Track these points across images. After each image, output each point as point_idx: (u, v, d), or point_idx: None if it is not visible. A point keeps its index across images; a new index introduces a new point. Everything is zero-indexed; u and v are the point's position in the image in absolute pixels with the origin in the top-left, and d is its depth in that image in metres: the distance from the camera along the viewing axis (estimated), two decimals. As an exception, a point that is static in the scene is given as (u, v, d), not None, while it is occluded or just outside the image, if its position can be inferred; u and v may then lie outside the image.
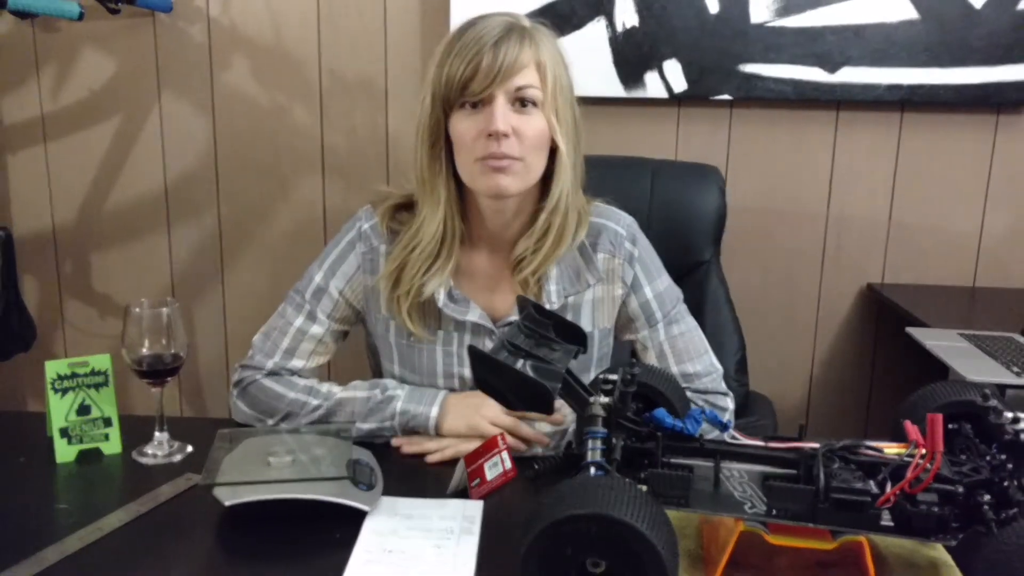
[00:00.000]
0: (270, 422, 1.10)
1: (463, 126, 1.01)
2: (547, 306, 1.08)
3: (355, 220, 1.14)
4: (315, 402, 1.08)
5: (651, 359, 1.14)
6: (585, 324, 1.12)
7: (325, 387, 1.10)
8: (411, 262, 1.07)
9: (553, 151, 1.05)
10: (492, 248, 1.12)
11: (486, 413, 1.04)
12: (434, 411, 1.05)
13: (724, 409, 1.13)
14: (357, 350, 1.23)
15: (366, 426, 1.06)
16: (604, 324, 1.14)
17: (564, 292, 1.10)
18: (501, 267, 1.12)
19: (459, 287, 1.10)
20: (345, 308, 1.14)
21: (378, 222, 1.11)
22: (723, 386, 1.14)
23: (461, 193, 1.09)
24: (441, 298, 1.08)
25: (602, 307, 1.13)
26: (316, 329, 1.13)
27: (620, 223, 1.13)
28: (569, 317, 1.11)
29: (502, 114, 0.99)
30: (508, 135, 0.99)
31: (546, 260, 1.07)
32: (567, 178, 1.06)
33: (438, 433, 1.06)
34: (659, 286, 1.14)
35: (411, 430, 1.07)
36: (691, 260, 1.51)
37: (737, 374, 1.48)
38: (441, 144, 1.04)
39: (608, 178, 1.36)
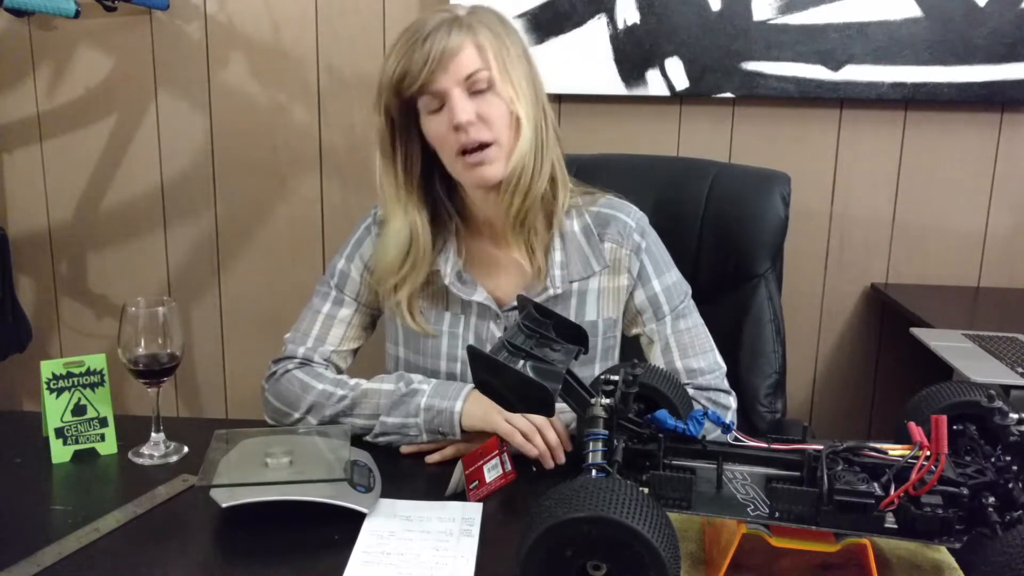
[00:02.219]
0: (296, 415, 1.09)
1: (432, 127, 1.04)
2: (551, 291, 1.10)
3: (372, 210, 1.19)
4: (341, 392, 1.08)
5: (656, 353, 1.14)
6: (590, 312, 1.13)
7: (353, 380, 1.11)
8: (379, 264, 1.11)
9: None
10: (494, 234, 1.14)
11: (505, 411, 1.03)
12: (458, 405, 1.04)
13: (727, 408, 1.12)
14: (373, 347, 1.23)
15: (390, 420, 1.05)
16: (609, 314, 1.15)
17: (568, 277, 1.11)
18: (504, 253, 1.14)
19: (467, 270, 1.13)
20: (368, 291, 1.17)
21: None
22: (726, 384, 1.14)
23: (452, 188, 1.11)
24: (448, 275, 1.10)
25: (607, 296, 1.14)
26: (344, 312, 1.16)
27: (630, 215, 1.15)
28: (574, 304, 1.13)
29: (461, 106, 1.01)
30: (473, 122, 1.01)
31: (524, 206, 1.07)
32: (527, 138, 1.05)
33: (467, 418, 1.04)
34: (668, 280, 1.15)
35: (435, 428, 1.04)
36: (742, 273, 1.40)
37: (767, 399, 1.35)
38: (391, 152, 1.06)
39: (663, 179, 1.33)
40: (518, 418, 1.02)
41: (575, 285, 1.12)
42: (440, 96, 1.01)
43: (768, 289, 1.41)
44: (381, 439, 1.06)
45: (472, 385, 1.07)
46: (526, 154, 1.05)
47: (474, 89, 1.02)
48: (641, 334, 1.16)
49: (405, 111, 1.05)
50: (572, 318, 1.11)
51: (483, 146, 1.02)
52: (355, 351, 1.19)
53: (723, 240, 1.40)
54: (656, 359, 1.14)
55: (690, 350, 1.13)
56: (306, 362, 1.13)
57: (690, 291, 1.17)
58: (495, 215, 1.12)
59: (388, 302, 1.16)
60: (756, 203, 1.41)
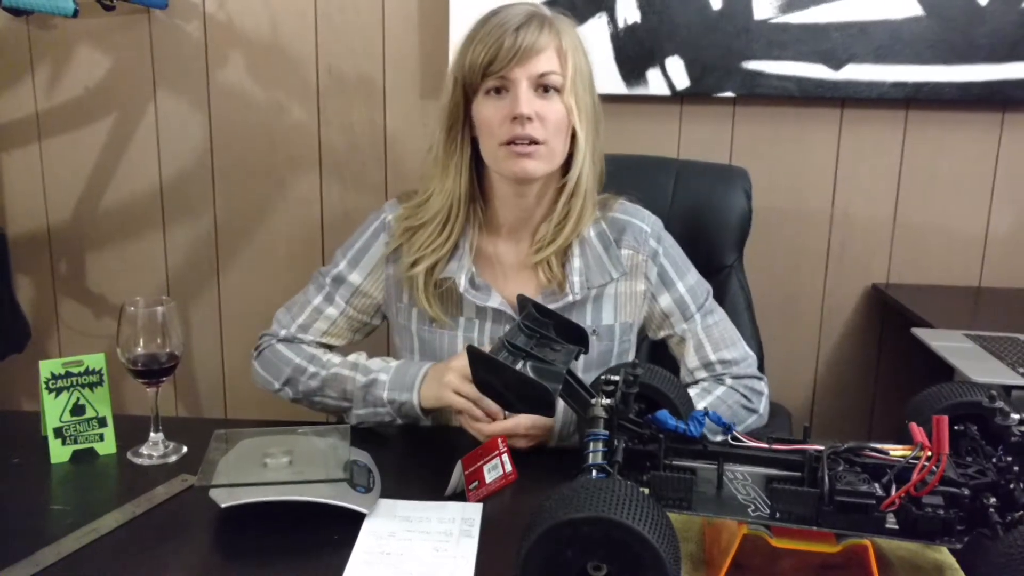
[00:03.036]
0: (277, 385, 1.14)
1: (488, 111, 1.05)
2: (570, 297, 1.11)
3: (380, 211, 1.18)
4: (312, 369, 1.11)
5: (690, 351, 1.16)
6: (607, 317, 1.14)
7: (327, 356, 1.13)
8: (416, 237, 1.11)
9: (573, 137, 1.09)
10: (514, 236, 1.14)
11: (449, 381, 1.04)
12: (415, 397, 1.06)
13: (761, 393, 1.16)
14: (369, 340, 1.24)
15: (362, 412, 1.08)
16: (625, 319, 1.16)
17: (588, 284, 1.12)
18: (523, 255, 1.14)
19: (481, 274, 1.13)
20: (364, 298, 1.17)
21: (402, 214, 1.15)
22: (757, 371, 1.18)
23: (482, 180, 1.12)
24: (463, 283, 1.10)
25: (624, 301, 1.15)
26: (331, 311, 1.17)
27: (645, 221, 1.17)
28: (591, 310, 1.14)
29: (526, 98, 1.02)
30: (532, 118, 1.02)
31: (564, 241, 1.10)
32: (585, 162, 1.09)
33: (427, 399, 1.06)
34: (690, 280, 1.17)
35: (405, 415, 1.07)
36: (712, 264, 1.44)
37: None
38: (459, 127, 1.08)
39: (628, 177, 1.36)
40: (463, 385, 1.02)
41: (592, 291, 1.13)
42: (506, 83, 1.03)
43: (739, 279, 1.48)
44: (363, 425, 1.09)
45: (427, 367, 1.07)
46: (582, 167, 1.08)
47: (541, 86, 1.04)
48: (672, 335, 1.18)
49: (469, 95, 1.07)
50: (588, 323, 1.13)
51: (533, 142, 1.03)
52: (337, 347, 1.19)
53: (692, 234, 1.43)
54: (690, 357, 1.16)
55: (721, 343, 1.16)
56: (287, 341, 1.17)
57: (711, 288, 1.20)
58: (516, 217, 1.13)
59: (401, 304, 1.15)
60: (720, 198, 1.48)
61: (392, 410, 1.07)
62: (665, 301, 1.16)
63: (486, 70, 1.03)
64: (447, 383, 1.03)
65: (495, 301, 1.11)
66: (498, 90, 1.04)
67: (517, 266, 1.14)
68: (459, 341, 1.13)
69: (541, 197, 1.11)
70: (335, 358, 1.13)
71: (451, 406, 1.03)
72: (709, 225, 1.46)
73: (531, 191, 1.10)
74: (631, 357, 1.19)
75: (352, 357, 1.13)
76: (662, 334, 1.19)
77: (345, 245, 1.18)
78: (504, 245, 1.15)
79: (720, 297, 1.42)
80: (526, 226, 1.13)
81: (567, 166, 1.10)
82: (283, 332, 1.17)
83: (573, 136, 1.08)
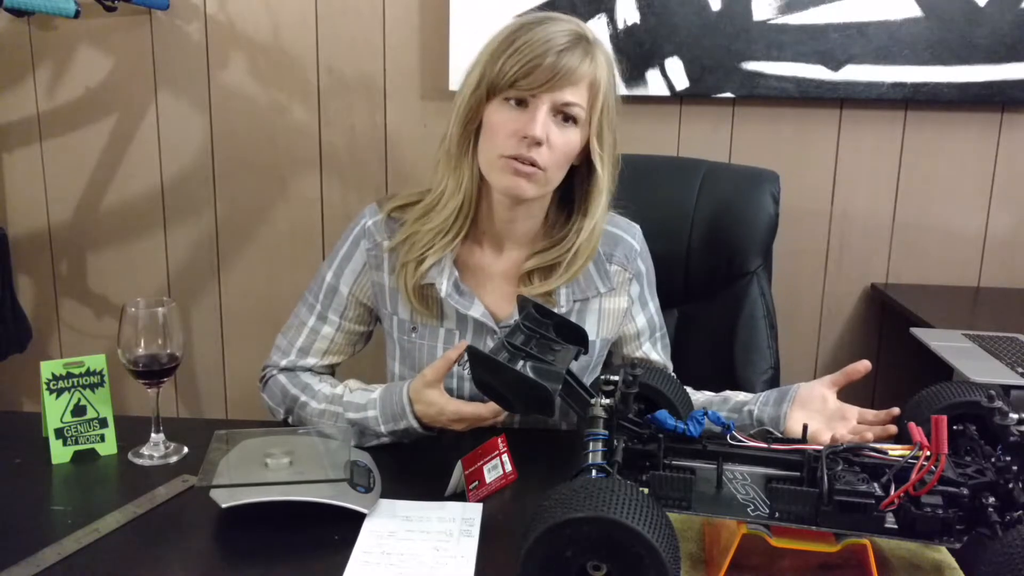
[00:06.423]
0: (282, 414, 1.12)
1: (499, 118, 1.02)
2: (556, 310, 1.07)
3: (360, 217, 1.15)
4: (313, 406, 1.09)
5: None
6: (590, 332, 1.12)
7: (319, 387, 1.10)
8: (420, 233, 1.07)
9: (589, 170, 1.07)
10: (495, 247, 1.12)
11: (416, 389, 1.01)
12: (414, 423, 1.02)
13: None
14: (377, 358, 1.23)
15: (364, 443, 1.05)
16: (605, 334, 1.16)
17: (573, 296, 1.11)
18: (505, 266, 1.12)
19: (463, 282, 1.11)
20: (357, 307, 1.14)
21: (382, 218, 1.12)
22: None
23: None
24: (444, 287, 1.07)
25: (607, 317, 1.15)
26: (327, 329, 1.14)
27: (635, 238, 1.17)
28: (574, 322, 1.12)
29: (542, 121, 1.00)
30: (542, 143, 1.00)
31: (558, 281, 1.09)
32: (603, 207, 1.08)
33: (428, 423, 1.03)
34: (656, 299, 1.20)
35: (410, 435, 1.04)
36: (734, 271, 1.41)
37: None
38: (475, 126, 1.05)
39: (653, 178, 1.34)
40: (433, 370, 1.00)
41: (577, 304, 1.12)
42: (529, 99, 1.01)
43: (760, 285, 1.43)
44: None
45: (405, 390, 1.03)
46: (599, 213, 1.07)
47: (559, 114, 1.01)
48: (637, 354, 1.19)
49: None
50: None
51: (533, 165, 1.01)
52: (340, 363, 1.18)
53: (715, 238, 1.41)
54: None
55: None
56: (288, 370, 1.15)
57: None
58: (500, 229, 1.10)
59: (384, 311, 1.14)
60: (747, 201, 1.42)
61: (392, 439, 1.04)
62: (640, 321, 1.17)
63: (516, 83, 0.99)
64: (418, 397, 1.01)
65: (477, 311, 1.08)
66: (518, 101, 1.01)
67: (499, 278, 1.12)
68: (439, 351, 1.10)
69: (529, 214, 1.09)
70: (326, 388, 1.10)
71: (448, 420, 1.00)
72: (734, 229, 1.41)
73: (523, 205, 1.08)
74: (599, 371, 1.18)
75: (339, 390, 1.09)
76: (628, 350, 1.19)
77: (328, 259, 1.15)
78: (483, 255, 1.12)
79: (738, 305, 1.40)
80: (509, 238, 1.11)
81: (564, 193, 1.09)
82: (284, 361, 1.14)
83: (589, 169, 1.06)
